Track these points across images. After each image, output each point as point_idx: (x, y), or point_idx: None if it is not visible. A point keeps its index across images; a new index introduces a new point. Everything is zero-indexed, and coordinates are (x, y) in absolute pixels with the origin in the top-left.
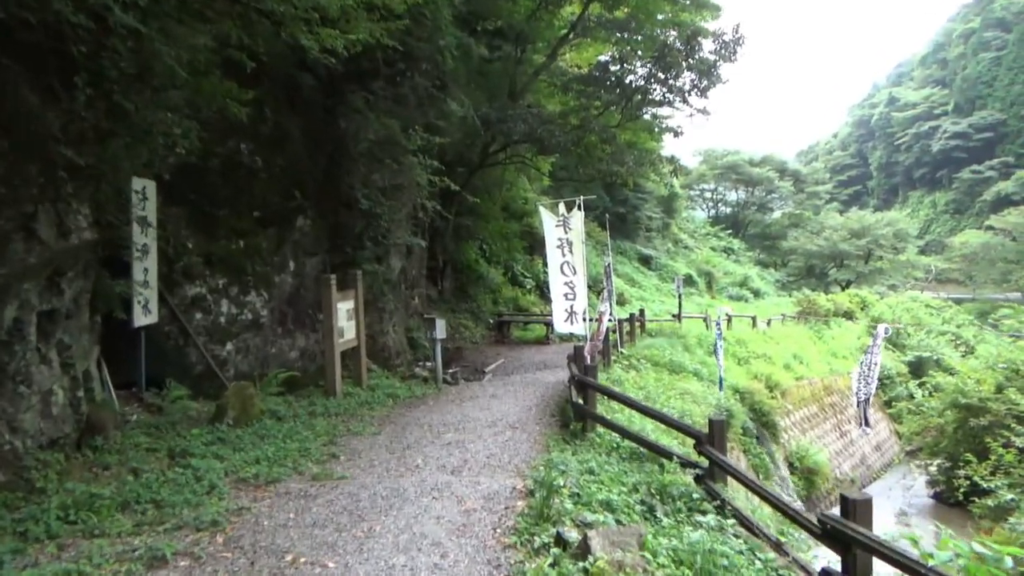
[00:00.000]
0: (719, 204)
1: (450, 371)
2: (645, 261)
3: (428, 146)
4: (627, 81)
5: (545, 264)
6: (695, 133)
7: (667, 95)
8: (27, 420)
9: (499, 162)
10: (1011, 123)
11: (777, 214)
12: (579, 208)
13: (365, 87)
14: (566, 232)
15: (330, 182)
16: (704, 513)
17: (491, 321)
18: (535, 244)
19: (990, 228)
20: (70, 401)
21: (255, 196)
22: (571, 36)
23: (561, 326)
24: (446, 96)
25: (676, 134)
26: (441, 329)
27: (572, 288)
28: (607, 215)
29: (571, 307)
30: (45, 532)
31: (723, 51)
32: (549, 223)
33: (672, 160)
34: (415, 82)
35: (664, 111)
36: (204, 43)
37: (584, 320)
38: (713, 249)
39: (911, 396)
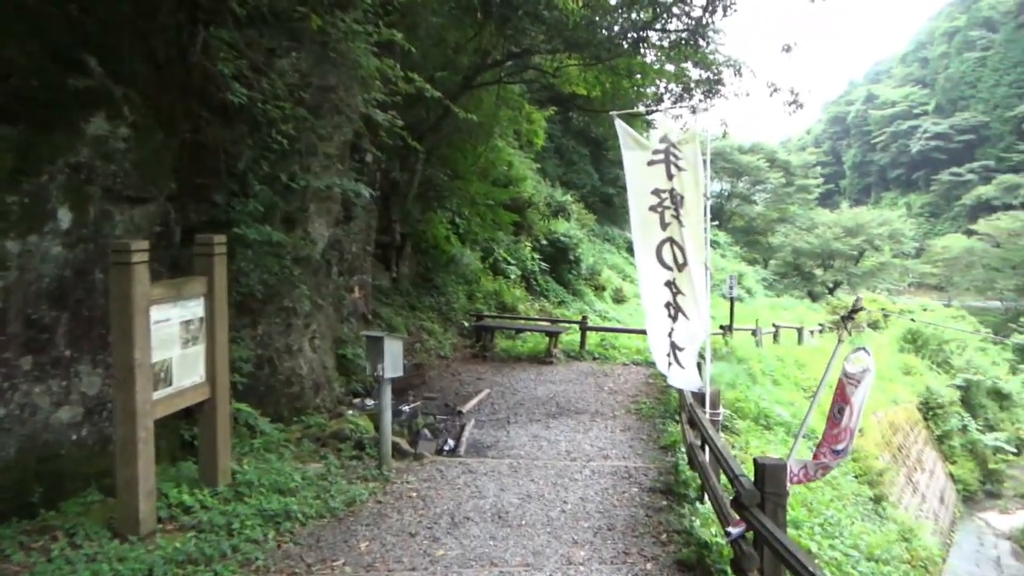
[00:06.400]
0: None
1: (404, 412)
2: (632, 251)
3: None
4: None
5: (537, 249)
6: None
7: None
8: None
9: (494, 82)
10: (994, 126)
11: (760, 207)
12: (701, 130)
13: None
14: (669, 176)
15: (182, 53)
16: None
17: (465, 325)
18: (523, 221)
19: (970, 232)
20: None
21: None
22: None
23: (666, 370)
24: None
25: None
26: (395, 361)
27: (675, 293)
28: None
29: (676, 331)
30: None
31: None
32: (635, 159)
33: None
34: None
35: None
36: None
37: (704, 360)
38: None
39: (964, 428)
